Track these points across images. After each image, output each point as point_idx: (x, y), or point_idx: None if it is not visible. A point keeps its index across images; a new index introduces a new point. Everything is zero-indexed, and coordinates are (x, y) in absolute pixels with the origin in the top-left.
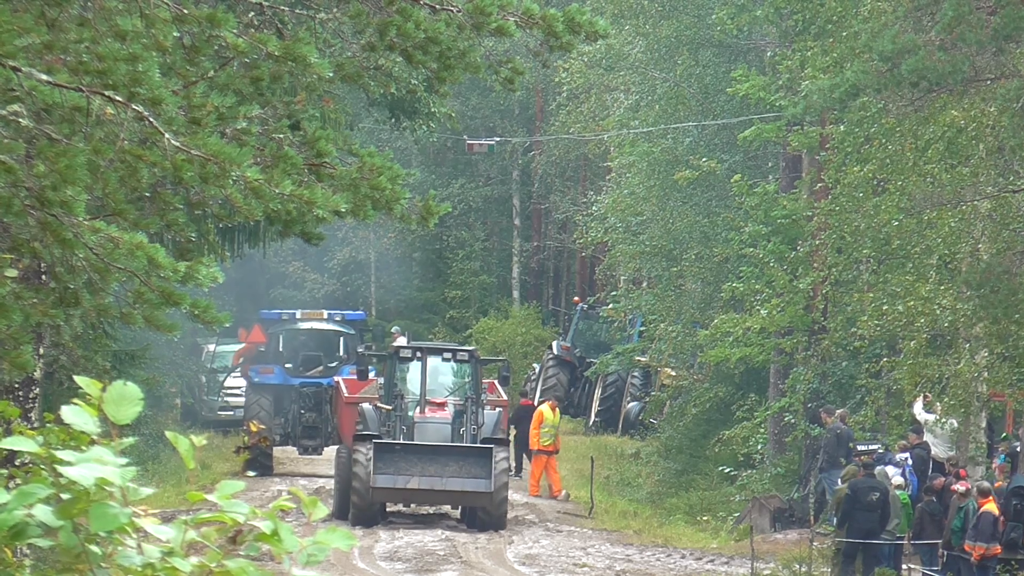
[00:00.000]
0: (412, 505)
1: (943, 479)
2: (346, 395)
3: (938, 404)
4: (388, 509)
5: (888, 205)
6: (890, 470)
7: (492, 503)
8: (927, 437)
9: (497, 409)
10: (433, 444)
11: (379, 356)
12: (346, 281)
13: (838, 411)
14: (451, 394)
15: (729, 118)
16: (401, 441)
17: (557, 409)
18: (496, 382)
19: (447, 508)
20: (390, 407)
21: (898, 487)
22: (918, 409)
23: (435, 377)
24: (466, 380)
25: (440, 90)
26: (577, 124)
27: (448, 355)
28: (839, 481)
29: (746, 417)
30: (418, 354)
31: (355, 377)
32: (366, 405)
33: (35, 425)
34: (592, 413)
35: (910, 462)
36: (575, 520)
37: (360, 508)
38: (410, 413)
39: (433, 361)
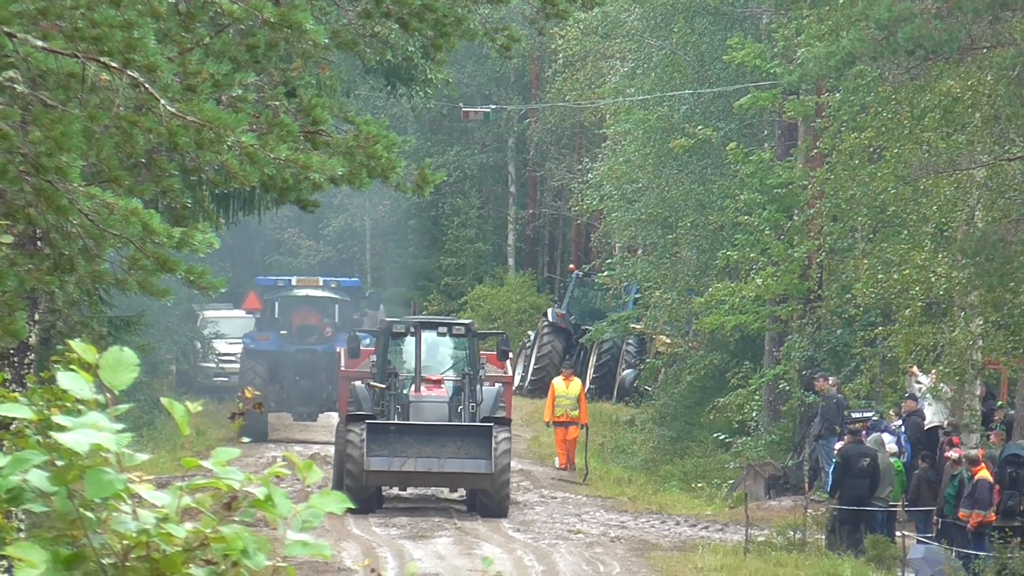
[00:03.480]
0: (409, 489)
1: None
2: (343, 369)
3: (931, 373)
4: (384, 493)
5: (884, 173)
6: (885, 437)
7: (493, 486)
8: (923, 404)
9: (497, 385)
10: (429, 424)
11: (371, 332)
12: (341, 248)
13: (831, 379)
14: (448, 370)
15: (725, 86)
16: (396, 421)
17: (575, 379)
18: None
19: (446, 493)
20: (383, 386)
21: (893, 455)
22: (920, 380)
23: (430, 353)
24: (463, 355)
25: (436, 57)
26: (573, 92)
27: (443, 329)
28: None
29: (741, 384)
30: (412, 329)
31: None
32: (358, 383)
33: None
34: (587, 380)
35: (904, 429)
36: (570, 487)
37: (355, 492)
38: (405, 391)
39: (428, 336)
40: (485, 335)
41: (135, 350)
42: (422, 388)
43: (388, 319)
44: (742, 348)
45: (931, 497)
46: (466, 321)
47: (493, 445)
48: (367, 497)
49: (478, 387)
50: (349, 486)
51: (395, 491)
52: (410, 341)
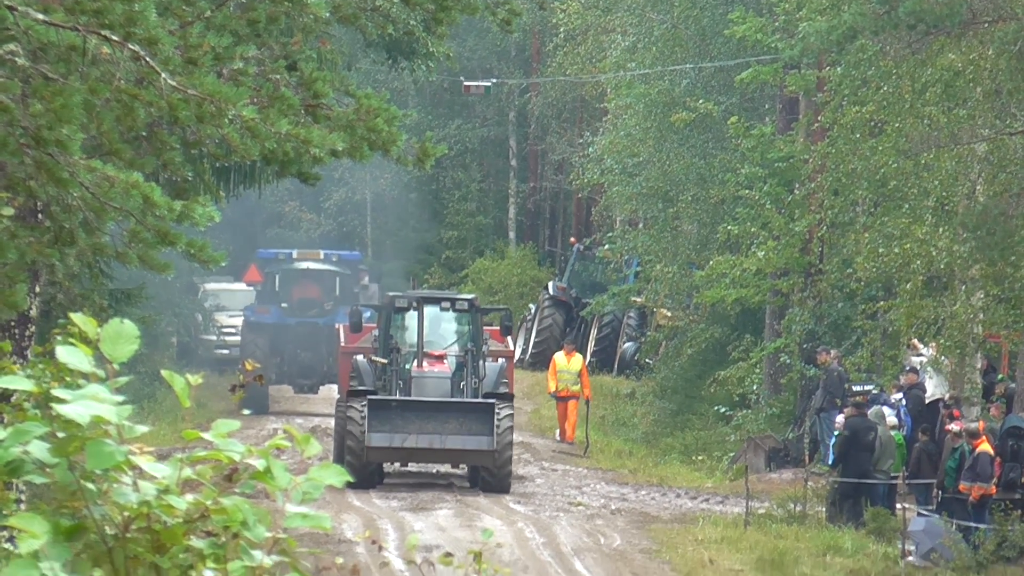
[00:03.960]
0: (410, 465)
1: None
2: (343, 344)
3: (930, 345)
4: (385, 469)
5: (885, 147)
6: (885, 410)
7: (495, 462)
8: (923, 377)
9: (500, 360)
10: (432, 400)
11: (373, 306)
12: (342, 221)
13: (832, 352)
14: (450, 346)
15: (726, 60)
16: (397, 397)
17: (576, 355)
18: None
19: (448, 467)
20: (385, 360)
21: (892, 427)
22: (921, 353)
23: (433, 328)
24: (466, 330)
25: (438, 31)
26: (574, 66)
27: (446, 304)
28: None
29: (742, 358)
30: (414, 304)
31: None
32: (360, 358)
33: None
34: (588, 353)
35: (905, 403)
36: (571, 459)
37: (355, 468)
38: (407, 366)
39: (430, 311)
40: (488, 310)
41: (136, 323)
42: (424, 363)
43: (391, 293)
44: (743, 321)
45: (932, 470)
46: (469, 296)
47: (495, 422)
48: (368, 473)
49: (481, 362)
50: (350, 462)
51: (396, 466)
52: (412, 316)
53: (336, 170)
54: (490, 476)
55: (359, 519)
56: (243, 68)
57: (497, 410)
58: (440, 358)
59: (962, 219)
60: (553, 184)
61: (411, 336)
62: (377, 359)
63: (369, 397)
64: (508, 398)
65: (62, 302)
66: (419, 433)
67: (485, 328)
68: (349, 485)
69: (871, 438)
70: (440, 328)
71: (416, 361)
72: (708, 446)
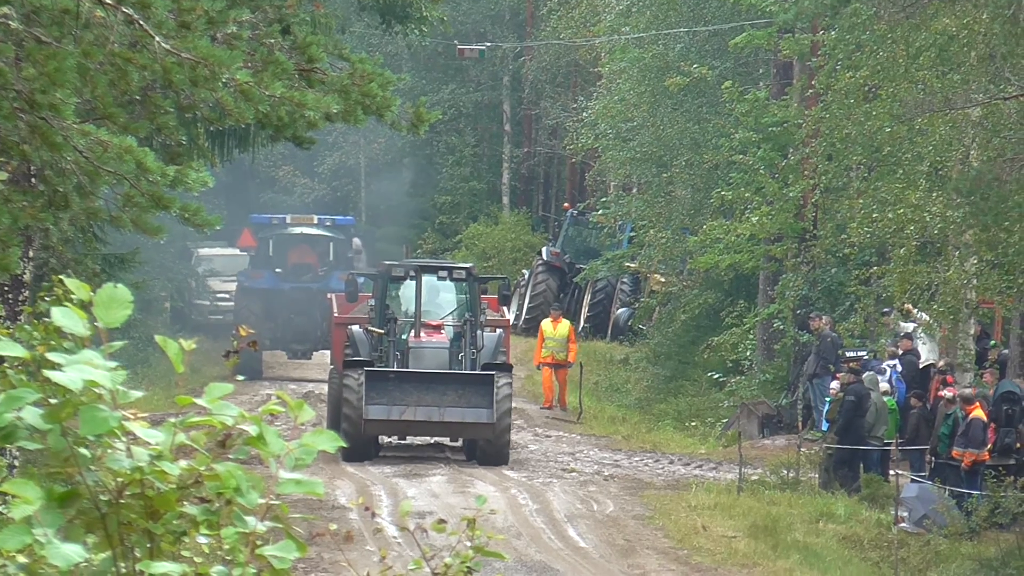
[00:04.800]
0: (408, 438)
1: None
2: (336, 314)
3: (918, 312)
4: (381, 441)
5: (879, 112)
6: (877, 376)
7: (494, 434)
8: (918, 343)
9: (498, 331)
10: (430, 371)
11: (369, 275)
12: (336, 186)
13: (824, 318)
14: (447, 316)
15: (720, 24)
16: (395, 368)
17: (563, 321)
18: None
19: (444, 441)
20: (382, 331)
21: (885, 393)
22: (916, 318)
23: (430, 297)
24: (464, 300)
25: None
26: (568, 30)
27: (444, 273)
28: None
29: (735, 323)
30: (411, 273)
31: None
32: (356, 328)
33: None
34: (581, 319)
35: (899, 368)
36: (564, 425)
37: (352, 441)
38: (403, 337)
39: (428, 280)
40: (486, 279)
41: (129, 287)
42: (422, 334)
43: (387, 262)
44: (736, 287)
45: (929, 436)
46: (467, 265)
47: (495, 394)
48: (364, 446)
49: (479, 332)
50: (346, 432)
51: (393, 440)
52: (409, 285)
53: (330, 135)
54: (488, 448)
55: (352, 485)
56: (237, 32)
57: (496, 382)
58: (437, 328)
59: (956, 184)
60: (547, 149)
61: (408, 306)
62: (374, 329)
63: (366, 369)
64: (507, 369)
65: (55, 267)
66: (417, 405)
67: (482, 297)
68: (345, 458)
69: (868, 405)
70: (437, 297)
71: (413, 331)
72: (701, 412)
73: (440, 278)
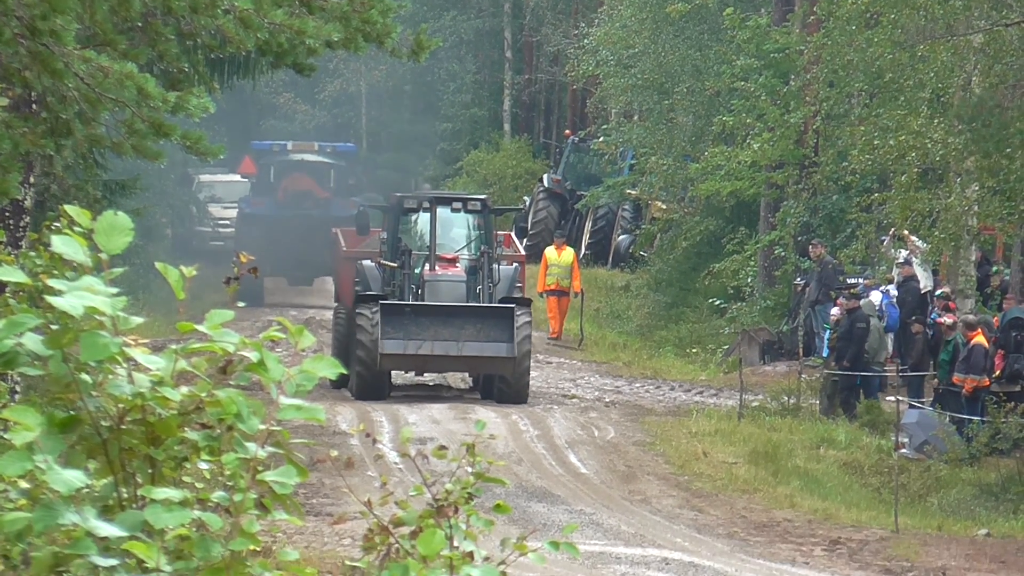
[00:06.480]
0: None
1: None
2: (344, 248)
3: (916, 239)
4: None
5: (880, 39)
6: (875, 296)
7: (514, 369)
8: (915, 269)
9: (514, 265)
10: (447, 305)
11: (380, 207)
12: (337, 113)
13: (820, 247)
14: (463, 248)
15: None
16: (411, 302)
17: (567, 248)
18: (512, 234)
19: (457, 383)
20: (396, 264)
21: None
22: (911, 246)
23: (445, 230)
24: (478, 232)
25: None
26: None
27: (458, 205)
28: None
29: (736, 250)
30: (425, 204)
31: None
32: (367, 262)
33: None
34: (582, 246)
35: (893, 294)
36: (565, 352)
37: (366, 378)
38: (417, 270)
39: (442, 212)
40: (502, 210)
41: (130, 214)
42: (437, 267)
43: (399, 193)
44: (737, 214)
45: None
46: (482, 196)
47: (515, 328)
48: (378, 383)
49: (495, 266)
50: (360, 372)
51: (407, 377)
52: (421, 217)
53: (331, 62)
54: (506, 386)
55: (353, 412)
56: None
57: (516, 315)
58: (452, 261)
59: (957, 111)
60: (548, 76)
61: (421, 238)
62: (387, 263)
63: (382, 303)
64: (526, 303)
65: (56, 193)
66: (434, 340)
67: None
68: (357, 396)
69: (870, 330)
70: (452, 230)
71: (428, 265)
72: (702, 339)
73: (454, 210)
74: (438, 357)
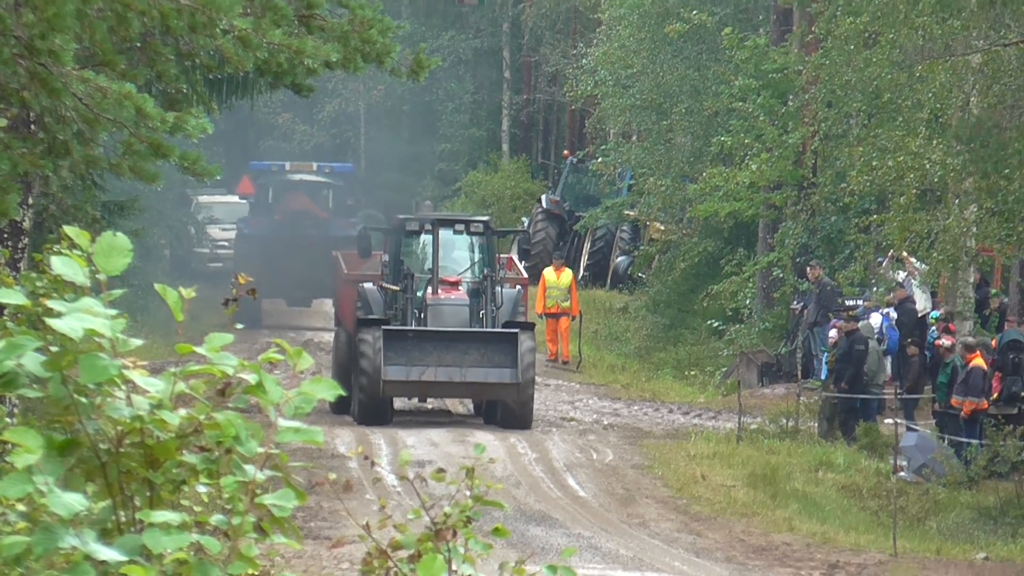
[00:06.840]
0: (427, 401)
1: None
2: (345, 271)
3: (916, 261)
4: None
5: (879, 58)
6: (875, 319)
7: (518, 395)
8: (914, 291)
9: (517, 288)
10: (451, 330)
11: (381, 229)
12: (335, 133)
13: (818, 268)
14: (465, 271)
15: None
16: (414, 326)
17: (566, 270)
18: (514, 256)
19: (459, 409)
20: (398, 288)
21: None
22: (909, 268)
23: (446, 252)
24: (481, 255)
25: None
26: None
27: (460, 227)
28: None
29: (734, 271)
30: (427, 226)
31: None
32: (368, 285)
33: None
34: (581, 267)
35: (892, 316)
36: (563, 374)
37: (368, 405)
38: (419, 294)
39: (444, 234)
40: (504, 232)
41: (128, 235)
42: (439, 290)
43: (401, 216)
44: (736, 235)
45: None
46: (484, 218)
47: (519, 353)
48: (380, 408)
49: (498, 289)
50: (362, 399)
51: (410, 403)
52: (425, 239)
53: (329, 81)
54: (509, 413)
55: (352, 435)
56: None
57: (520, 340)
58: (455, 284)
59: (956, 131)
60: (547, 96)
61: (422, 261)
62: (388, 286)
63: (384, 327)
64: (529, 327)
65: (55, 213)
66: (438, 365)
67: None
68: (360, 421)
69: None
70: (454, 252)
71: (430, 288)
72: (701, 361)
73: (456, 232)
74: (441, 383)
